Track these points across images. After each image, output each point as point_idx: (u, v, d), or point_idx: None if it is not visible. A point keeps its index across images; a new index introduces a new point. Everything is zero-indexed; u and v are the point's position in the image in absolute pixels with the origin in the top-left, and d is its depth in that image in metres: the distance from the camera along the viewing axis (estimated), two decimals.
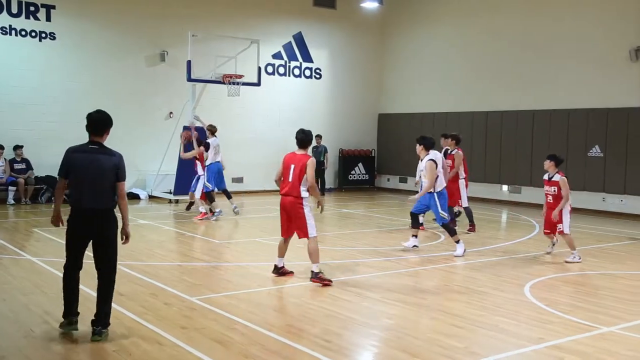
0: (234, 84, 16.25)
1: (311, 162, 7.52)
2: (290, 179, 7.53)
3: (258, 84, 17.04)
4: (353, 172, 21.35)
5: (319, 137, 19.20)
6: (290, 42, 20.48)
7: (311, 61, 20.96)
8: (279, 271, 7.95)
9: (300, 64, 20.78)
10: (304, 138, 7.68)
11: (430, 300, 7.03)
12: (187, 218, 13.58)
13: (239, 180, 19.08)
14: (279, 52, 20.26)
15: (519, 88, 17.76)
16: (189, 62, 15.72)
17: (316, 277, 7.58)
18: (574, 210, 15.97)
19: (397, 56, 21.68)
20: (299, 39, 20.63)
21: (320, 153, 19.17)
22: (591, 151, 16.03)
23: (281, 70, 20.37)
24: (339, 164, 21.22)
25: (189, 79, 15.92)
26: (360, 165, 21.56)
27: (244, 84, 16.48)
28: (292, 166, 7.53)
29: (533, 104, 17.40)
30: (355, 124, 21.80)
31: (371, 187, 21.78)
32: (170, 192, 16.50)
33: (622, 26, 15.58)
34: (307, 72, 20.96)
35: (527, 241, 11.47)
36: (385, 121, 22.10)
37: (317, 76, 21.16)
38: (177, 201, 16.17)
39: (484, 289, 7.57)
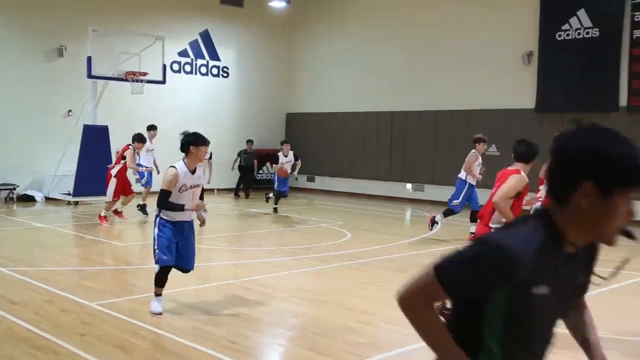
0: (137, 81, 15.76)
1: (515, 180, 5.58)
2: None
3: (163, 81, 16.63)
4: (261, 171, 21.27)
5: (250, 142, 19.41)
6: (196, 40, 20.12)
7: (218, 59, 20.69)
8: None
9: (207, 62, 20.46)
10: (522, 150, 5.82)
11: (336, 298, 7.11)
12: (89, 220, 13.02)
13: None
14: (185, 49, 19.86)
15: (423, 89, 18.29)
16: (89, 58, 15.08)
17: None
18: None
19: (306, 55, 21.81)
20: (206, 36, 20.31)
21: (251, 160, 19.50)
22: (489, 150, 16.80)
23: (187, 68, 19.96)
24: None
25: (89, 76, 15.28)
26: (268, 165, 21.49)
27: (148, 81, 16.03)
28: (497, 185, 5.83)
29: (436, 104, 18.00)
30: (263, 124, 21.74)
31: None
32: (69, 194, 15.75)
33: (517, 32, 16.42)
34: (215, 71, 20.68)
35: (430, 237, 11.88)
36: (294, 121, 22.18)
37: (225, 75, 20.92)
38: (76, 203, 15.48)
39: (389, 285, 7.73)
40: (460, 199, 11.40)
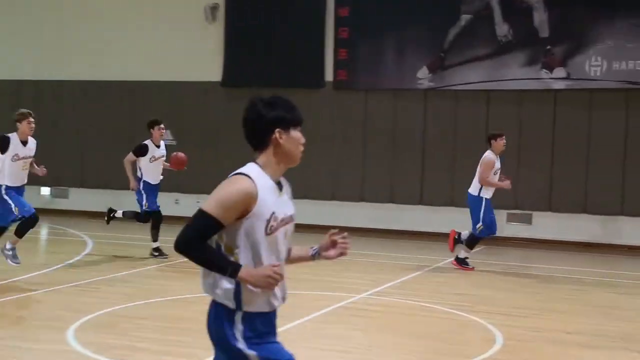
0: None
1: None
2: None
3: None
4: None
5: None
6: None
7: None
8: None
9: None
10: None
11: None
12: None
13: None
14: None
15: (71, 55, 17.77)
16: None
17: None
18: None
19: None
20: None
21: None
22: (164, 139, 16.75)
23: None
24: None
25: None
26: None
27: None
28: None
29: (87, 73, 17.60)
30: None
31: None
32: None
33: None
34: None
35: (77, 264, 11.50)
36: None
37: None
38: None
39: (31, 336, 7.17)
40: (481, 220, 11.28)
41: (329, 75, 16.00)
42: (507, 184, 11.40)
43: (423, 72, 15.47)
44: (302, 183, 16.00)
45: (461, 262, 11.66)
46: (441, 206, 15.30)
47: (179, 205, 16.78)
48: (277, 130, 3.57)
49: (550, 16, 14.68)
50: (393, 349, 7.30)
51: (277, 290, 3.61)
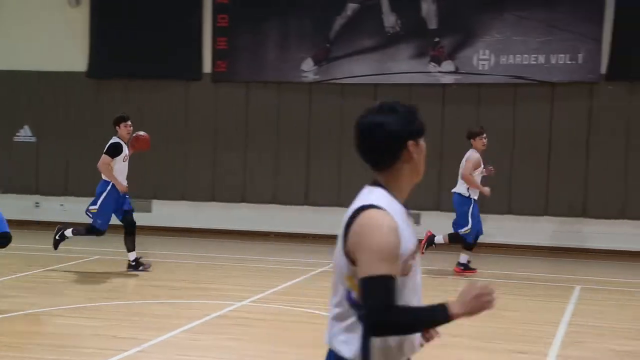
0: None
1: None
2: None
3: None
4: None
5: None
6: None
7: None
8: None
9: None
10: None
11: None
12: None
13: None
14: None
15: None
16: None
17: None
18: (20, 225, 16.08)
19: None
20: None
21: None
22: (19, 134, 16.48)
23: None
24: None
25: None
26: None
27: None
28: None
29: None
30: None
31: None
32: None
33: None
34: None
35: None
36: None
37: None
38: None
39: None
40: (469, 224, 11.57)
41: (207, 67, 15.90)
42: (486, 190, 11.73)
43: (308, 64, 15.52)
44: (176, 184, 15.95)
45: (465, 267, 11.99)
46: (329, 206, 15.27)
47: (39, 208, 16.41)
48: (411, 143, 3.16)
49: (438, 7, 14.94)
50: (271, 359, 7.39)
51: (416, 337, 3.17)
